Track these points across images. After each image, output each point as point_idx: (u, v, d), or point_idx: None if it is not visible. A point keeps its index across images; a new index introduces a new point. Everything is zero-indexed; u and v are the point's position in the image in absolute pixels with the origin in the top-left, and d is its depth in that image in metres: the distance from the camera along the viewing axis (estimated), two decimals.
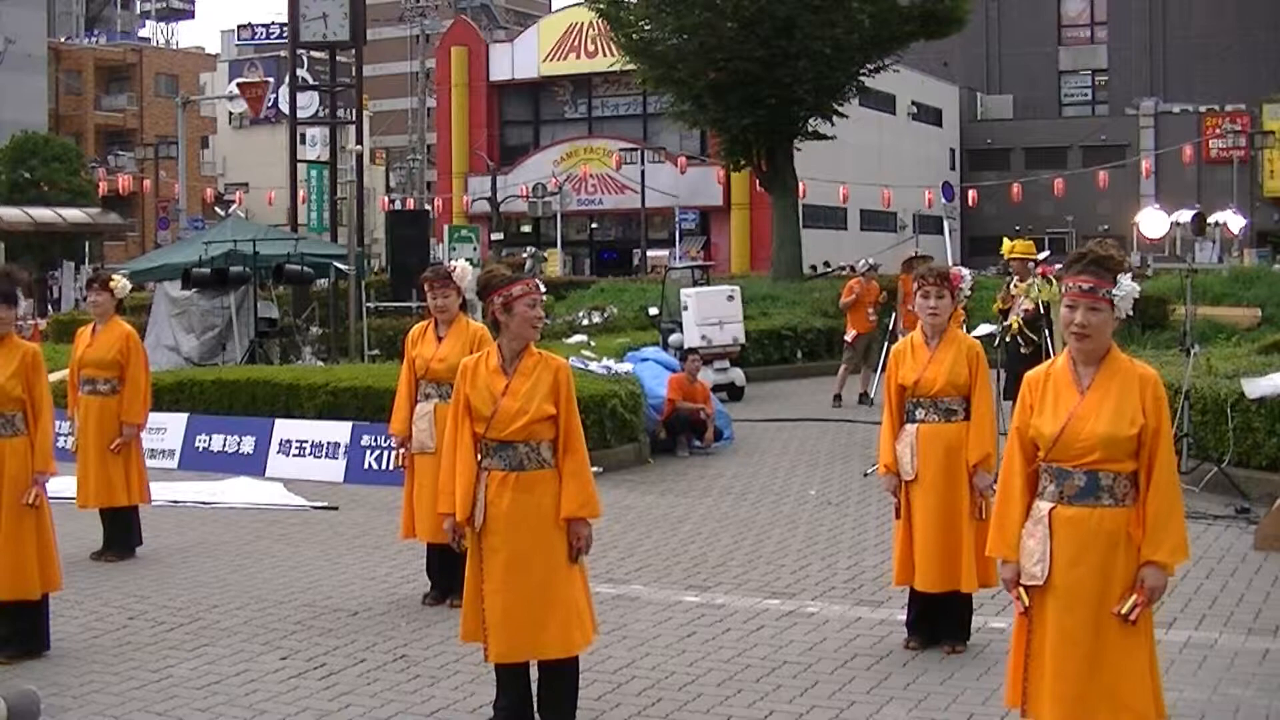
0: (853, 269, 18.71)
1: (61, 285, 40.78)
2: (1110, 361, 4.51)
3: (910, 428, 6.75)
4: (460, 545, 5.51)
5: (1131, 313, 4.49)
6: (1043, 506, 4.54)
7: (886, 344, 17.14)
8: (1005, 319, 12.58)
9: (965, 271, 7.14)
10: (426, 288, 7.87)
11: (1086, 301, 4.45)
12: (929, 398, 6.71)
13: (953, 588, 6.66)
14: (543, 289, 5.48)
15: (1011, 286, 12.35)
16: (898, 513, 6.81)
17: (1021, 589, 4.54)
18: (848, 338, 17.99)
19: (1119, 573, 4.43)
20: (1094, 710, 4.41)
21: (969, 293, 7.04)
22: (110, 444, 9.02)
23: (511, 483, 5.37)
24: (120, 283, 9.26)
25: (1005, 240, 12.90)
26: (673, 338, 18.63)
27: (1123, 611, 4.38)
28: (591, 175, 52.08)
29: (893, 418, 6.82)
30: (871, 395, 17.78)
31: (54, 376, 13.20)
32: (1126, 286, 4.44)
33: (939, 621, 6.79)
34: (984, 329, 11.90)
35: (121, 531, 9.27)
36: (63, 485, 8.78)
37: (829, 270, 34.73)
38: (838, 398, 17.67)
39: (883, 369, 16.83)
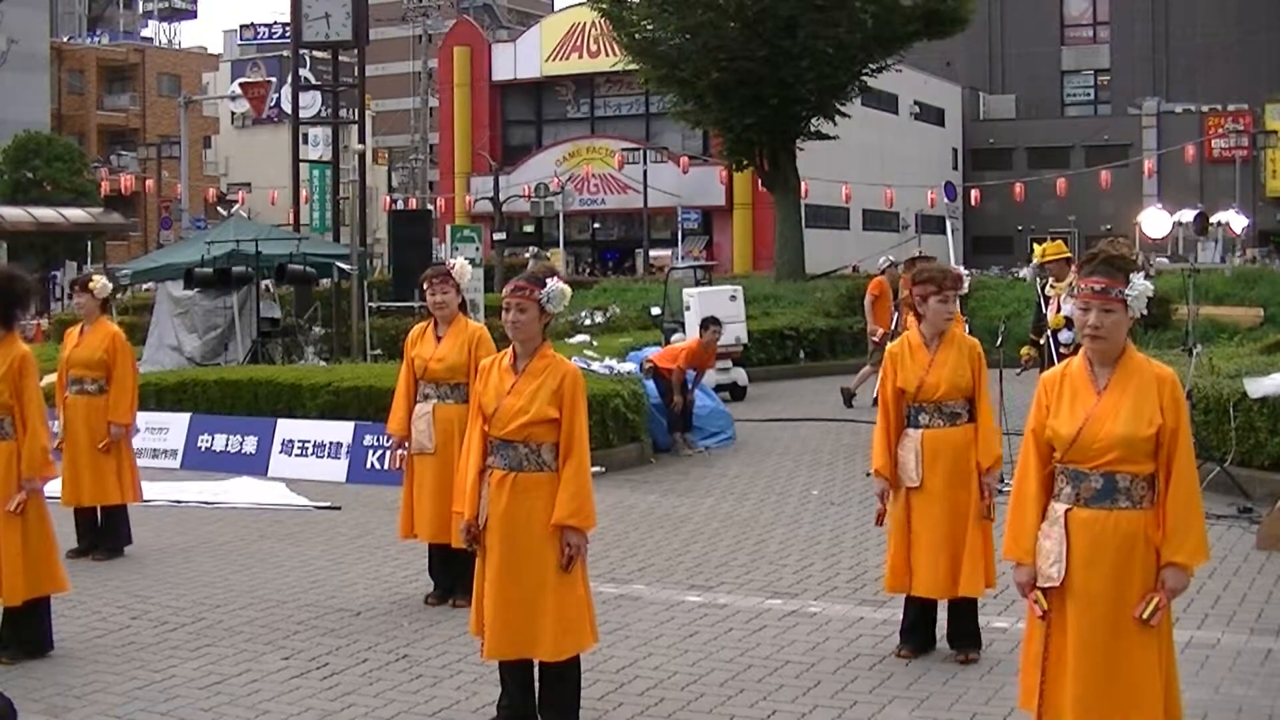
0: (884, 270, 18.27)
1: (64, 285, 40.77)
2: (1127, 361, 4.46)
3: (914, 433, 6.54)
4: (473, 546, 5.49)
5: (1146, 311, 4.44)
6: (1059, 508, 4.49)
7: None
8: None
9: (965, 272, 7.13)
10: (426, 285, 7.85)
11: (1099, 303, 4.40)
12: (932, 402, 6.53)
13: (956, 593, 6.58)
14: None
15: (1049, 288, 12.33)
16: (879, 520, 6.64)
17: (1039, 592, 4.48)
18: (874, 337, 16.97)
19: (1136, 575, 4.38)
20: (1110, 713, 4.37)
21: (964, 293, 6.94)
22: (99, 443, 9.04)
23: (509, 484, 5.37)
24: (100, 282, 9.29)
25: (1036, 245, 12.85)
26: (675, 337, 18.62)
27: (1144, 615, 4.33)
28: (594, 175, 52.15)
29: (889, 421, 6.59)
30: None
31: (45, 380, 13.34)
32: (1139, 286, 4.38)
33: (949, 628, 6.73)
34: (1066, 335, 11.72)
35: (111, 530, 9.28)
36: (49, 486, 8.72)
37: (834, 271, 34.70)
38: (853, 395, 17.29)
39: None
